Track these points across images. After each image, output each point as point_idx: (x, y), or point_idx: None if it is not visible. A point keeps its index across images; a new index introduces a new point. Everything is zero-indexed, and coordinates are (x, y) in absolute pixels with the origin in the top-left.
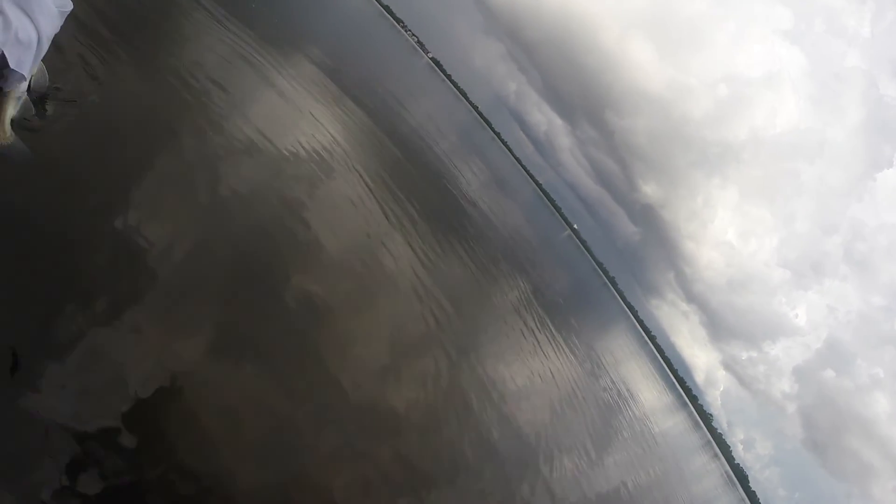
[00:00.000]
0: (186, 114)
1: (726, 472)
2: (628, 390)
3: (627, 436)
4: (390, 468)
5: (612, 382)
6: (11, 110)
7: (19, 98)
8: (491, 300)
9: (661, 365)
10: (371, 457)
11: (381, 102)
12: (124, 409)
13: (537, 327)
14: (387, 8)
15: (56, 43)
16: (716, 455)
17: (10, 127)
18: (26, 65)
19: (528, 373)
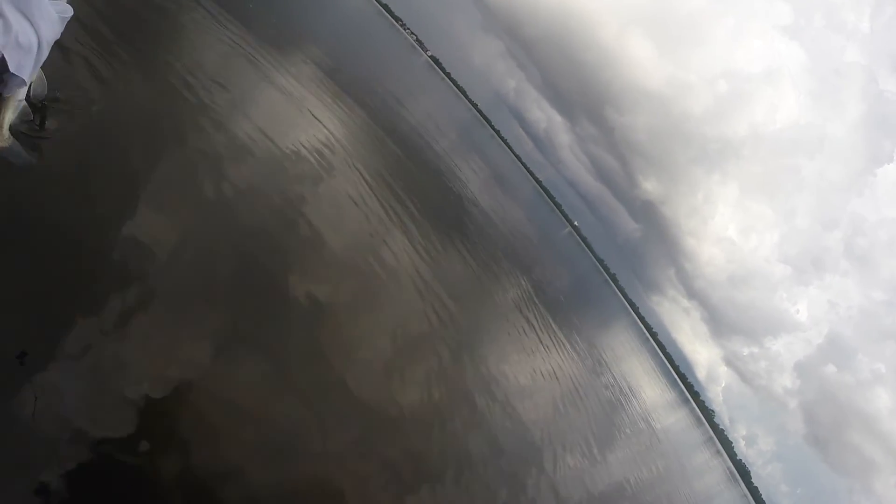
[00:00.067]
0: (187, 114)
1: (728, 468)
2: (630, 387)
3: (630, 432)
4: (396, 465)
5: (614, 379)
6: (10, 115)
7: (18, 103)
8: (492, 298)
9: (663, 361)
10: (377, 454)
11: (381, 101)
12: (134, 409)
13: (539, 325)
14: (385, 6)
15: (59, 44)
16: (718, 451)
17: (8, 131)
18: (26, 69)
19: (531, 370)
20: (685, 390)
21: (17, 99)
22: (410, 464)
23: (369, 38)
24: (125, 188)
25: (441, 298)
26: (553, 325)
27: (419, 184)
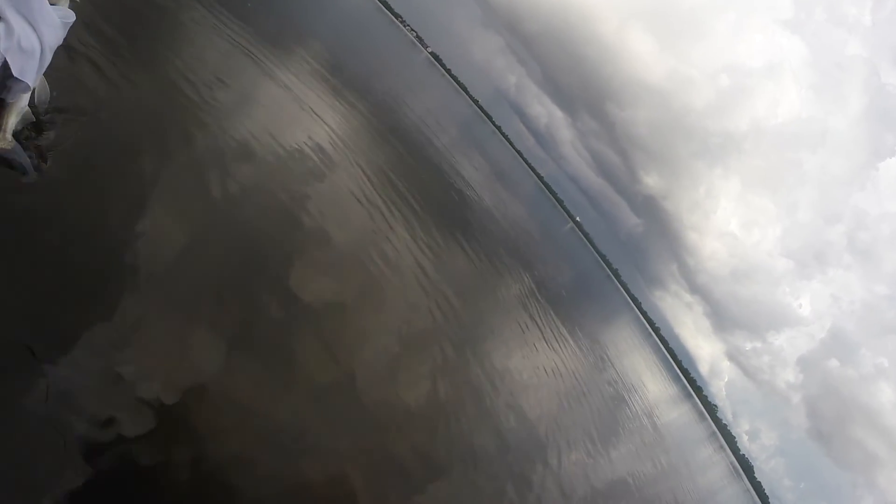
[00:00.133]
0: (189, 114)
1: (731, 462)
2: (633, 382)
3: (633, 427)
4: (403, 461)
5: (617, 374)
6: (14, 120)
7: (21, 109)
8: (495, 294)
9: (666, 356)
10: (384, 450)
11: (382, 98)
12: (143, 406)
13: (542, 320)
14: (385, 3)
15: (63, 44)
16: (721, 446)
17: (12, 136)
18: (29, 74)
19: (534, 366)
20: (688, 385)
21: (21, 104)
22: (418, 460)
23: (369, 35)
24: (131, 189)
25: (445, 294)
26: (556, 321)
27: (421, 180)
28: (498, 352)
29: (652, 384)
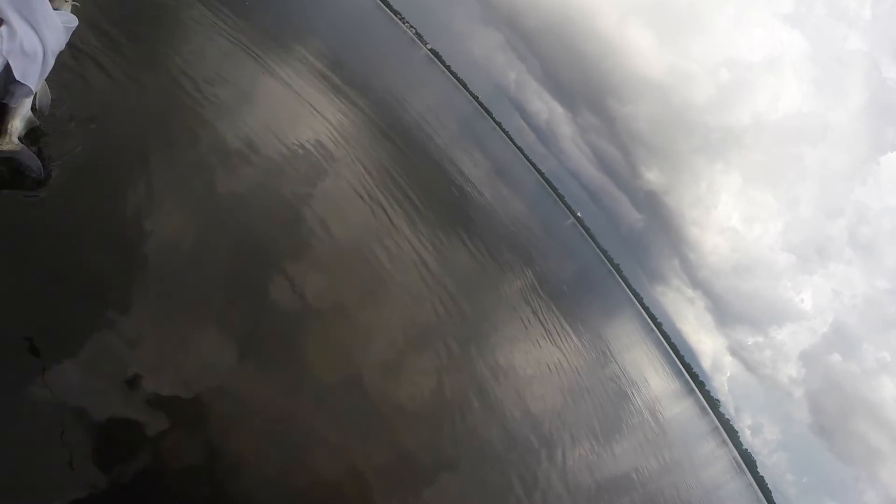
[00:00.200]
0: (190, 112)
1: (734, 457)
2: (635, 378)
3: (636, 423)
4: (410, 456)
5: (620, 370)
6: (19, 124)
7: (25, 113)
8: (497, 289)
9: (668, 351)
10: (389, 446)
11: (382, 95)
12: (147, 403)
13: (544, 316)
14: (384, 0)
15: (67, 44)
16: (723, 441)
17: (17, 139)
18: (32, 77)
19: (537, 361)
20: (690, 380)
21: (24, 109)
22: (425, 456)
23: (368, 32)
24: (130, 188)
25: (448, 291)
26: (558, 317)
27: (422, 177)
28: (501, 347)
29: (654, 379)
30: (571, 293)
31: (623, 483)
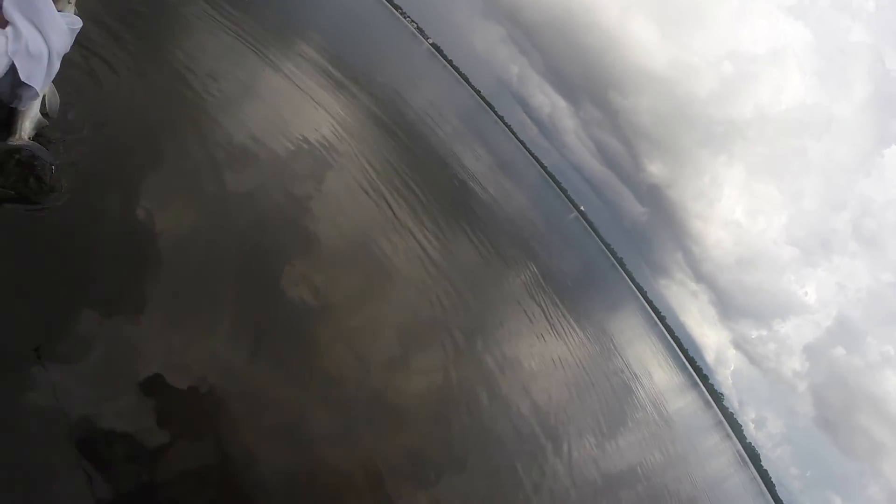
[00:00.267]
0: (189, 108)
1: (738, 451)
2: (640, 371)
3: (640, 416)
4: (419, 450)
5: (624, 363)
6: (28, 126)
7: (34, 116)
8: (501, 284)
9: (672, 345)
10: (396, 441)
11: (383, 89)
12: (149, 399)
13: (548, 310)
14: None
15: (74, 44)
16: (727, 434)
17: (27, 137)
18: (37, 79)
19: (541, 355)
20: (694, 374)
21: (33, 112)
22: (434, 449)
23: (369, 27)
24: (132, 186)
25: (449, 285)
26: (562, 310)
27: (425, 171)
28: (504, 342)
29: (658, 373)
30: (575, 287)
31: (628, 477)
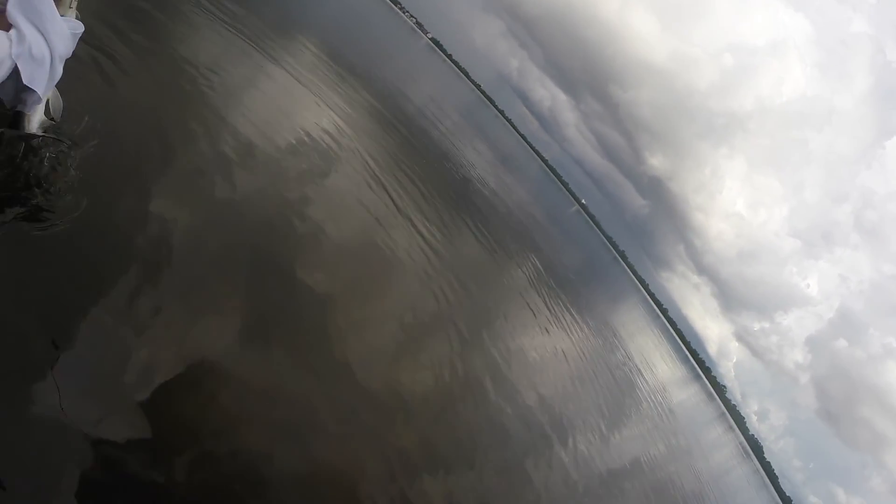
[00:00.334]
0: (189, 106)
1: (741, 443)
2: (642, 364)
3: (643, 409)
4: (425, 443)
5: (626, 356)
6: (34, 126)
7: (39, 119)
8: (503, 277)
9: (674, 337)
10: (403, 436)
11: (383, 85)
12: (145, 398)
13: (550, 303)
14: None
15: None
16: (730, 426)
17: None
18: (39, 82)
19: (543, 348)
20: (696, 366)
21: (38, 116)
22: (441, 441)
23: (369, 22)
24: (134, 184)
25: (451, 279)
26: (565, 304)
27: (426, 166)
28: (507, 335)
29: (661, 365)
30: (577, 280)
31: (631, 469)
